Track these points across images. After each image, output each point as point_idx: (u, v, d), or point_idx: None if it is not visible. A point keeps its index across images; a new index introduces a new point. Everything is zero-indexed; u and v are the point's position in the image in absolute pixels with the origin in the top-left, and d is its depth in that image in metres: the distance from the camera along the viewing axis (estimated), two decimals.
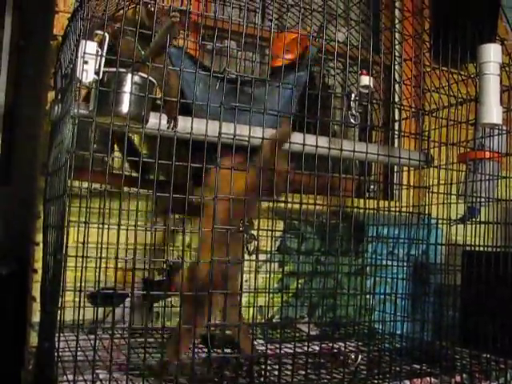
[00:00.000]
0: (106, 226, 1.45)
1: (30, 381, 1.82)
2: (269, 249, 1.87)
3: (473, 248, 1.82)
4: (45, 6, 2.28)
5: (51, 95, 1.99)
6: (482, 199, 1.86)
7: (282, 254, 2.10)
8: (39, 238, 1.97)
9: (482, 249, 1.81)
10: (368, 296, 2.15)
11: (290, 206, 1.49)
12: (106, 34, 1.29)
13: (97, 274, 1.46)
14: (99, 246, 1.50)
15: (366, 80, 1.72)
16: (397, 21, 2.09)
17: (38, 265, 1.94)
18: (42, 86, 2.30)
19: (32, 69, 2.53)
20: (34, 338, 1.92)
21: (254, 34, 1.74)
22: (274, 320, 2.21)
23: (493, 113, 1.63)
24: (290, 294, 2.20)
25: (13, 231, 2.44)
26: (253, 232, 1.47)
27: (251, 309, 2.04)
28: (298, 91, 1.68)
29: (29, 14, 2.55)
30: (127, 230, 1.85)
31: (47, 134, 2.00)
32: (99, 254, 1.41)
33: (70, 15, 1.82)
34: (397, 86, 2.40)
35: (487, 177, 1.86)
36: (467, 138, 1.90)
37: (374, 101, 1.93)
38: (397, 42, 2.17)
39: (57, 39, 2.06)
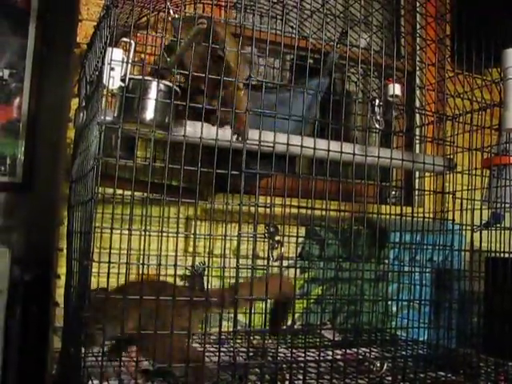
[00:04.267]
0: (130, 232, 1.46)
1: None
2: (291, 255, 1.87)
3: (497, 254, 1.80)
4: (68, 14, 2.31)
5: (74, 102, 2.01)
6: (507, 205, 1.84)
7: (303, 261, 2.10)
8: (62, 244, 1.99)
9: (506, 255, 1.79)
10: (390, 302, 2.14)
11: (311, 212, 1.49)
12: (132, 42, 1.31)
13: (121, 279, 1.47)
14: (123, 251, 1.51)
15: (393, 89, 1.71)
16: (418, 26, 2.08)
17: (62, 270, 1.96)
18: (64, 93, 2.32)
19: (55, 76, 2.55)
20: (57, 344, 1.93)
21: (275, 41, 1.76)
22: (295, 326, 2.20)
23: None
24: (312, 301, 2.19)
25: (36, 237, 2.46)
26: (278, 238, 1.48)
27: None
28: (320, 96, 1.68)
29: (52, 23, 2.58)
30: (149, 235, 1.88)
31: (70, 141, 2.02)
32: (121, 260, 1.42)
33: (93, 23, 1.85)
34: (418, 91, 2.39)
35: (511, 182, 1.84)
36: (491, 143, 1.88)
37: (398, 107, 1.92)
38: (418, 48, 2.16)
39: (80, 47, 2.08)
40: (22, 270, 2.31)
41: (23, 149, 2.57)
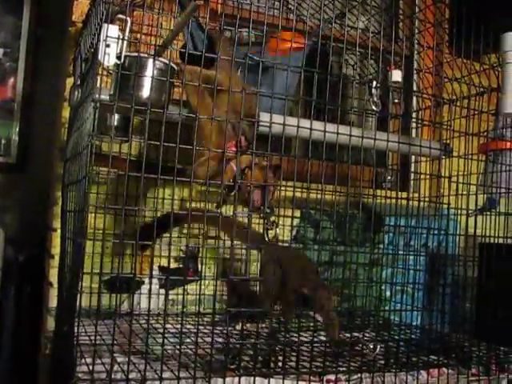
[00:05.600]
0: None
1: (47, 365, 1.83)
2: (286, 238, 1.87)
3: (491, 240, 1.80)
4: None
5: (69, 81, 1.99)
6: (502, 190, 1.84)
7: (298, 244, 2.09)
8: (56, 224, 1.98)
9: (500, 240, 1.79)
10: (383, 287, 2.14)
11: (306, 195, 1.48)
12: (128, 19, 1.29)
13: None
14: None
15: (396, 75, 1.71)
16: (417, 9, 2.06)
17: (55, 250, 1.96)
18: (60, 73, 2.30)
19: (50, 56, 2.53)
20: (50, 323, 1.93)
21: (274, 23, 1.74)
22: None
23: None
24: None
25: (30, 217, 2.46)
26: (273, 219, 1.47)
27: None
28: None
29: (47, 1, 2.55)
30: (145, 216, 1.87)
31: (65, 121, 2.01)
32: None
33: (88, 1, 1.83)
34: (416, 75, 2.38)
35: (507, 167, 1.84)
36: (488, 128, 1.88)
37: (395, 90, 1.91)
38: (417, 31, 2.15)
39: (75, 25, 2.06)
40: (16, 251, 2.31)
41: (18, 129, 2.56)
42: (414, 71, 2.38)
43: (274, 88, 1.41)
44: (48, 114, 2.45)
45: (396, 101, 1.82)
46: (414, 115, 2.22)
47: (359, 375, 1.44)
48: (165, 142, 1.23)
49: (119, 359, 1.35)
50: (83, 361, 1.33)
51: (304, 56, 1.71)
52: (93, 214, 1.49)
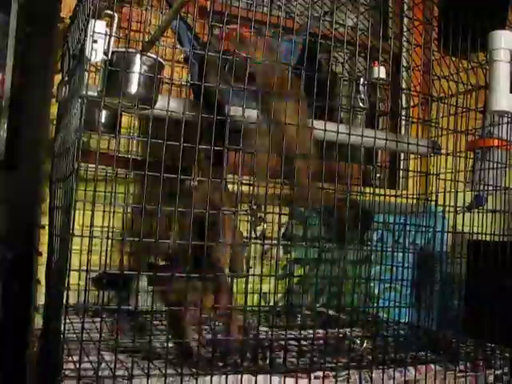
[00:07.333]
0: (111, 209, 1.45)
1: (35, 363, 1.82)
2: (274, 235, 1.86)
3: (479, 237, 1.81)
4: None
5: (58, 78, 1.98)
6: (490, 188, 1.85)
7: (286, 241, 2.09)
8: (44, 221, 1.98)
9: (488, 238, 1.80)
10: (372, 284, 2.15)
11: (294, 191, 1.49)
12: (116, 14, 1.28)
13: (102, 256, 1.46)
14: (104, 229, 1.50)
15: (377, 71, 1.71)
16: (406, 7, 2.07)
17: (43, 248, 1.95)
18: (48, 69, 2.29)
19: (38, 53, 2.51)
20: (38, 321, 1.92)
21: (262, 20, 1.74)
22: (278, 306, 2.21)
23: (503, 100, 1.62)
24: (295, 281, 2.20)
25: (18, 215, 2.44)
26: (261, 214, 1.47)
27: (255, 295, 2.04)
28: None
29: None
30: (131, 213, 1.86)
31: (53, 118, 2.00)
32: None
33: None
34: (404, 73, 2.39)
35: (495, 165, 1.85)
36: (475, 126, 1.89)
37: (383, 87, 1.92)
38: (405, 29, 2.15)
39: (63, 22, 2.05)
40: (3, 248, 2.29)
41: (5, 126, 2.54)
42: (403, 69, 2.39)
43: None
44: (36, 110, 2.43)
45: (379, 96, 1.82)
46: (402, 113, 2.23)
47: (347, 371, 1.44)
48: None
49: (106, 357, 1.35)
50: (70, 359, 1.32)
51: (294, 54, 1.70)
52: (80, 211, 1.48)
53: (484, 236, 1.81)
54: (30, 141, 2.49)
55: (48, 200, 1.86)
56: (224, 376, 1.30)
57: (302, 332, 1.72)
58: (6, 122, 2.54)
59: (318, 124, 1.48)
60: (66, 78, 1.57)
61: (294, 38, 1.55)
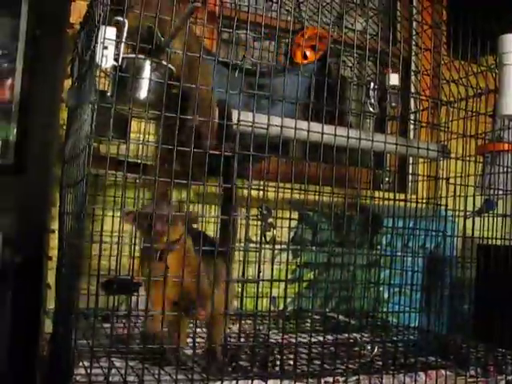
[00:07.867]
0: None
1: (45, 367, 1.82)
2: (284, 239, 1.86)
3: (489, 241, 1.80)
4: None
5: (67, 83, 1.99)
6: (500, 192, 1.84)
7: (296, 245, 2.09)
8: (54, 225, 1.98)
9: (498, 242, 1.79)
10: (381, 289, 2.14)
11: (304, 196, 1.48)
12: (126, 21, 1.29)
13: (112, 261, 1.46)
14: (114, 234, 1.50)
15: (393, 79, 1.70)
16: (415, 11, 2.07)
17: (53, 252, 1.95)
18: (57, 74, 2.30)
19: (48, 58, 2.53)
20: (48, 325, 1.93)
21: (271, 25, 1.74)
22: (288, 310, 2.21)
23: None
24: (304, 285, 2.19)
25: (27, 219, 2.45)
26: (271, 220, 1.47)
27: (265, 299, 2.04)
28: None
29: (45, 3, 2.55)
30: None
31: (63, 122, 2.01)
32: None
33: (86, 3, 1.82)
34: (413, 77, 2.38)
35: (505, 169, 1.84)
36: (485, 130, 1.88)
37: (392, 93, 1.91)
38: (414, 33, 2.15)
39: (73, 27, 2.06)
40: (13, 252, 2.31)
41: (15, 130, 2.55)
42: (412, 73, 2.39)
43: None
44: (46, 115, 2.44)
45: (394, 104, 1.82)
46: (411, 117, 2.23)
47: (357, 377, 1.44)
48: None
49: (117, 363, 1.35)
50: (80, 364, 1.32)
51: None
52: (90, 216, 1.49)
53: (494, 240, 1.80)
54: (40, 145, 2.50)
55: (58, 205, 1.86)
56: (234, 381, 1.30)
57: (312, 337, 1.72)
58: (16, 127, 2.55)
59: (328, 129, 1.47)
60: (76, 84, 1.58)
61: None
